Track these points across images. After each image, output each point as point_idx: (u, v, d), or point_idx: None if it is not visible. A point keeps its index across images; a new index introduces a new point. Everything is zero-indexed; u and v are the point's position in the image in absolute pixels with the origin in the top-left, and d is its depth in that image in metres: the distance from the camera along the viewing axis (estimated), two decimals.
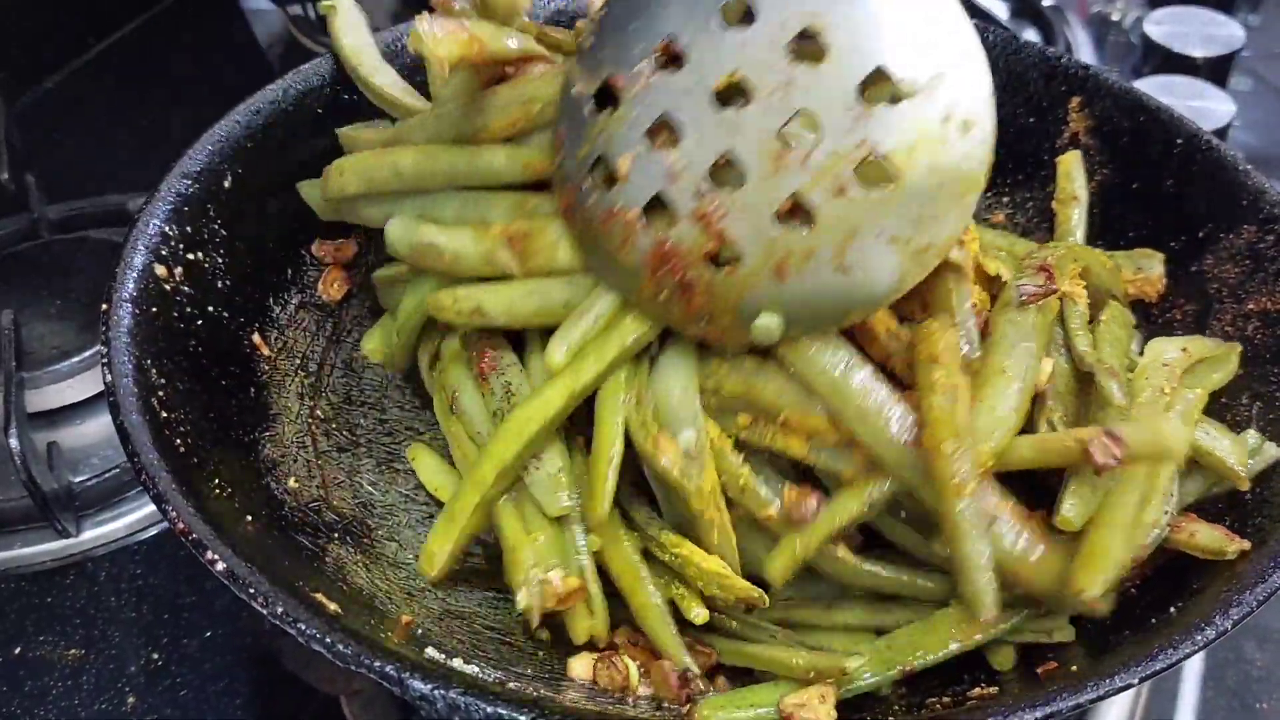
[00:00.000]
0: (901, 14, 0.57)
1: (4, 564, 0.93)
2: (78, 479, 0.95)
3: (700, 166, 0.59)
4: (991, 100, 0.58)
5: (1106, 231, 0.86)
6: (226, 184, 0.76)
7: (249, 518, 0.63)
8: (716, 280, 0.60)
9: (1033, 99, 0.92)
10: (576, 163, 0.63)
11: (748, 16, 0.58)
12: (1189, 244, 0.83)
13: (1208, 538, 0.63)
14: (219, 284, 0.75)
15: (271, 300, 0.80)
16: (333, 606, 0.58)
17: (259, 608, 0.53)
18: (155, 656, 0.87)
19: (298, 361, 0.80)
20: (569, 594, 0.63)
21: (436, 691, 0.51)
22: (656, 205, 0.61)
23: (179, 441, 0.63)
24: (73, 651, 0.88)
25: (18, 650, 0.88)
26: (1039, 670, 0.62)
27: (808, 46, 0.57)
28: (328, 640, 0.52)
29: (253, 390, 0.75)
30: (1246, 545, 0.62)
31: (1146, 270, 0.82)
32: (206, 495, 0.61)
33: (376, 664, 0.52)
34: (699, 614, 0.63)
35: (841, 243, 0.58)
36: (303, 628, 0.53)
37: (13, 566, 0.93)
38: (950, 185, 0.57)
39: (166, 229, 0.71)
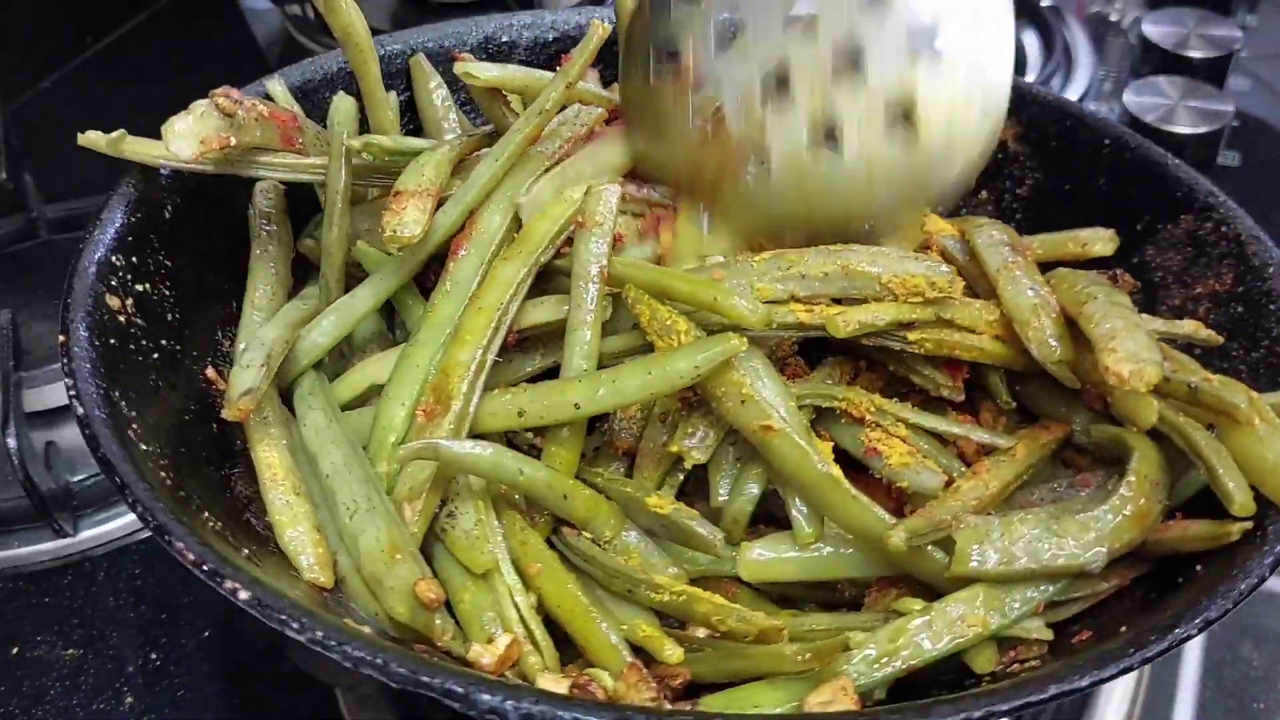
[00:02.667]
0: None
1: (2, 564, 0.93)
2: (75, 479, 0.95)
3: (757, 74, 0.65)
4: (1005, 109, 0.61)
5: (1043, 231, 0.88)
6: (167, 214, 0.75)
7: (244, 551, 0.62)
8: (749, 176, 0.69)
9: None
10: (654, 44, 0.74)
11: None
12: (1128, 237, 0.86)
13: (1203, 529, 0.63)
14: (169, 317, 0.73)
15: (220, 334, 0.78)
16: (366, 630, 0.58)
17: (294, 634, 0.52)
18: (153, 656, 0.87)
19: None
20: (512, 649, 0.61)
21: (509, 704, 0.50)
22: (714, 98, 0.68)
23: (163, 474, 0.62)
24: (71, 651, 0.87)
25: (15, 650, 0.87)
26: (1074, 640, 0.63)
27: None
28: (379, 661, 0.51)
29: (214, 425, 0.73)
30: (1249, 524, 0.62)
31: (1091, 240, 0.85)
32: (200, 526, 0.60)
33: (437, 681, 0.50)
34: (673, 653, 0.62)
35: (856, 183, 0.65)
36: (350, 650, 0.51)
37: (10, 566, 0.93)
38: (957, 156, 0.63)
39: (113, 258, 0.70)
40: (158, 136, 0.72)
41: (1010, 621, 0.62)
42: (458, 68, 0.82)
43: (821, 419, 0.71)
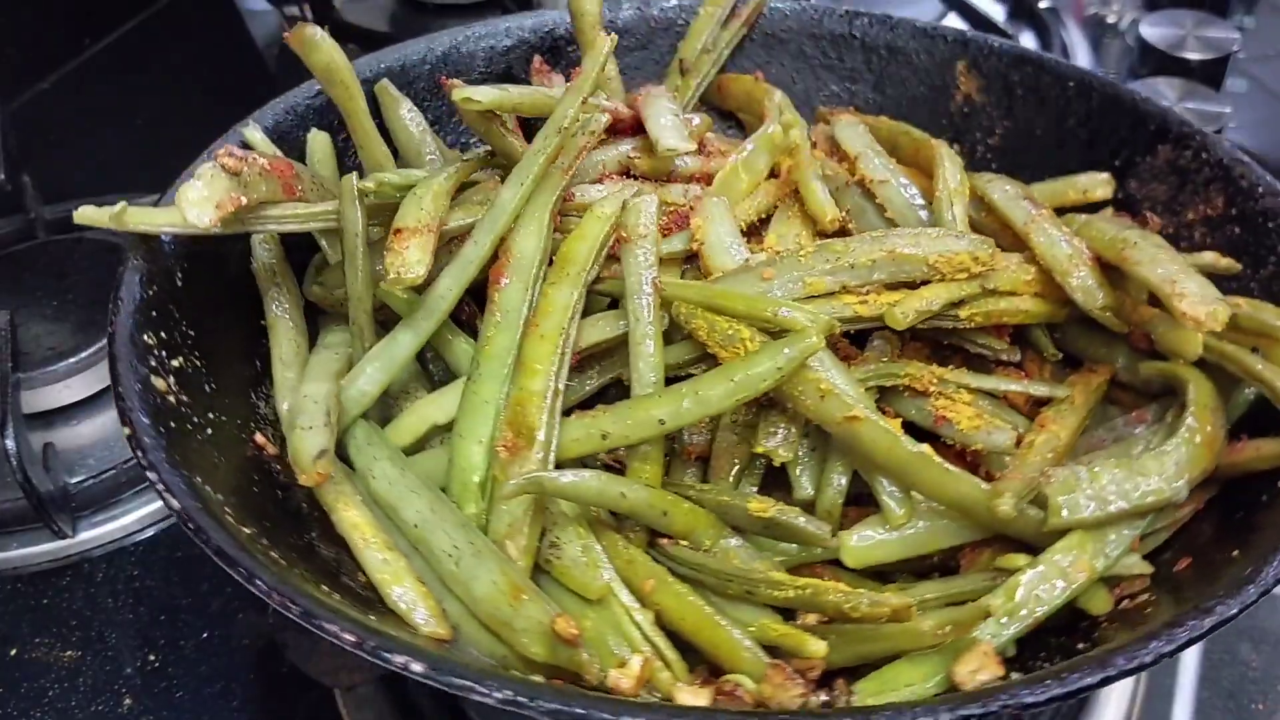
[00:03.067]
0: None
1: (0, 565, 0.93)
2: (74, 480, 0.95)
3: None
4: None
5: (1020, 179, 0.88)
6: (179, 282, 0.73)
7: (371, 618, 0.59)
8: None
9: (919, 70, 0.97)
10: None
11: None
12: (1109, 173, 0.88)
13: (1275, 447, 0.66)
14: (206, 388, 0.71)
15: (253, 396, 0.76)
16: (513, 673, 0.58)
17: (482, 696, 0.51)
18: (152, 658, 0.87)
19: None
20: (646, 668, 0.60)
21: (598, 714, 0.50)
22: None
23: (273, 555, 0.60)
24: (69, 653, 0.87)
25: (14, 652, 0.87)
26: (1175, 570, 0.66)
27: None
28: (451, 678, 0.51)
29: (279, 492, 0.70)
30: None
31: (1091, 185, 0.87)
32: (338, 605, 0.58)
33: (499, 691, 0.50)
34: (818, 648, 0.61)
35: None
36: (419, 668, 0.52)
37: (9, 568, 0.93)
38: None
39: (145, 337, 0.68)
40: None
41: (1113, 561, 0.64)
42: (455, 95, 0.79)
43: (884, 396, 0.72)
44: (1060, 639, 0.63)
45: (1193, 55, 1.42)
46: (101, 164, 1.32)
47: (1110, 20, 1.58)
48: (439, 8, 1.53)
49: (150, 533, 0.96)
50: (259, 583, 0.55)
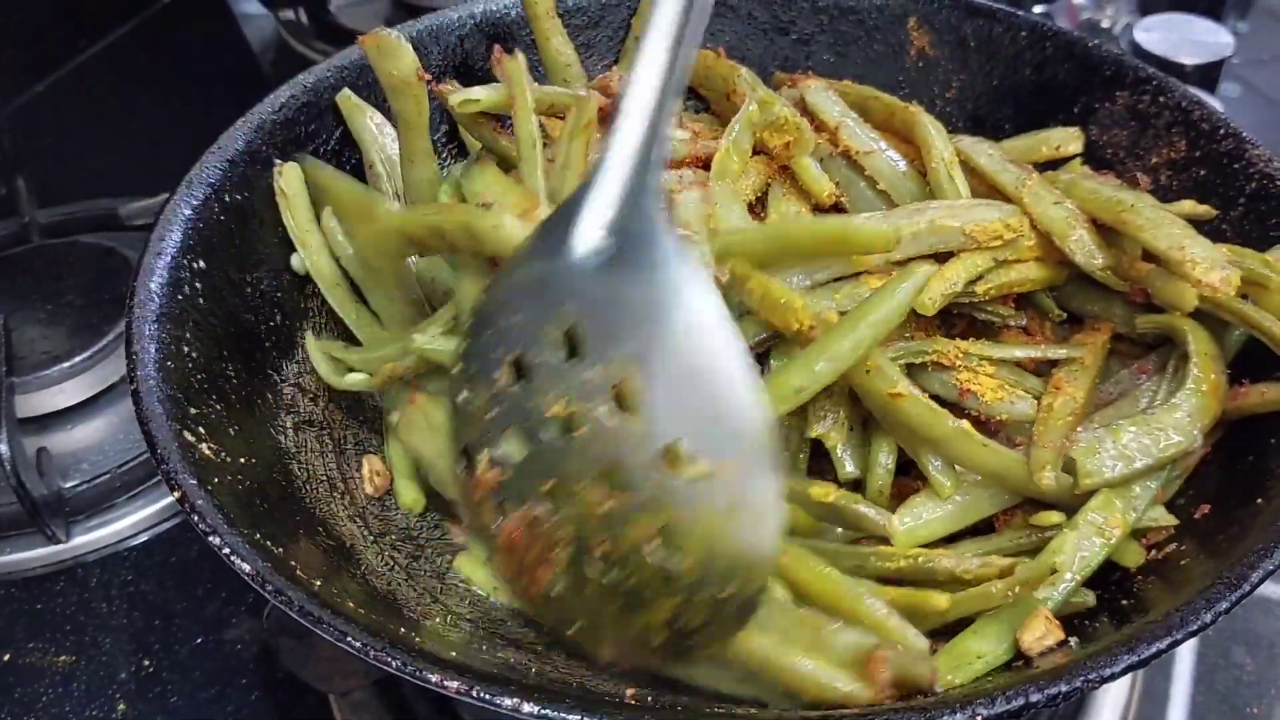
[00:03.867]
0: (707, 391, 0.55)
1: None
2: (68, 484, 0.94)
3: (530, 484, 0.57)
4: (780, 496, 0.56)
5: (980, 130, 0.89)
6: (191, 321, 0.71)
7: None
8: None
9: (870, 28, 0.97)
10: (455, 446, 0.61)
11: (573, 347, 0.57)
12: (1068, 121, 0.89)
13: (1278, 391, 0.69)
14: (230, 430, 0.69)
15: (273, 430, 0.74)
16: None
17: (408, 677, 0.52)
18: (146, 663, 0.87)
19: (325, 484, 0.75)
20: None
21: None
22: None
23: (300, 572, 0.59)
24: (63, 658, 0.87)
25: (7, 657, 0.87)
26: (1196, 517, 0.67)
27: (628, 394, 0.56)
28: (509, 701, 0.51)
29: (321, 529, 0.70)
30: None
31: (1064, 140, 0.88)
32: (349, 611, 0.58)
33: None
34: (941, 600, 0.62)
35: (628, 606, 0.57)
36: (455, 686, 0.52)
37: (2, 572, 0.93)
38: (735, 571, 0.55)
39: (175, 395, 0.65)
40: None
41: (1141, 514, 0.66)
42: (453, 99, 0.78)
43: (910, 371, 0.73)
44: (1100, 594, 0.65)
45: (1187, 60, 1.42)
46: (96, 167, 1.32)
47: (1104, 25, 1.58)
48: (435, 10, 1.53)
49: (144, 537, 0.96)
50: (352, 642, 0.54)
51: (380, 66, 0.78)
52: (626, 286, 0.57)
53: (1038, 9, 1.55)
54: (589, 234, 0.58)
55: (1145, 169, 0.85)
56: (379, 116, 0.86)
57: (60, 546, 0.94)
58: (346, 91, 0.85)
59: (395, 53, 0.77)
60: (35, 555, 0.94)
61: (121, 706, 0.84)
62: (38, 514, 0.91)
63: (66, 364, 0.97)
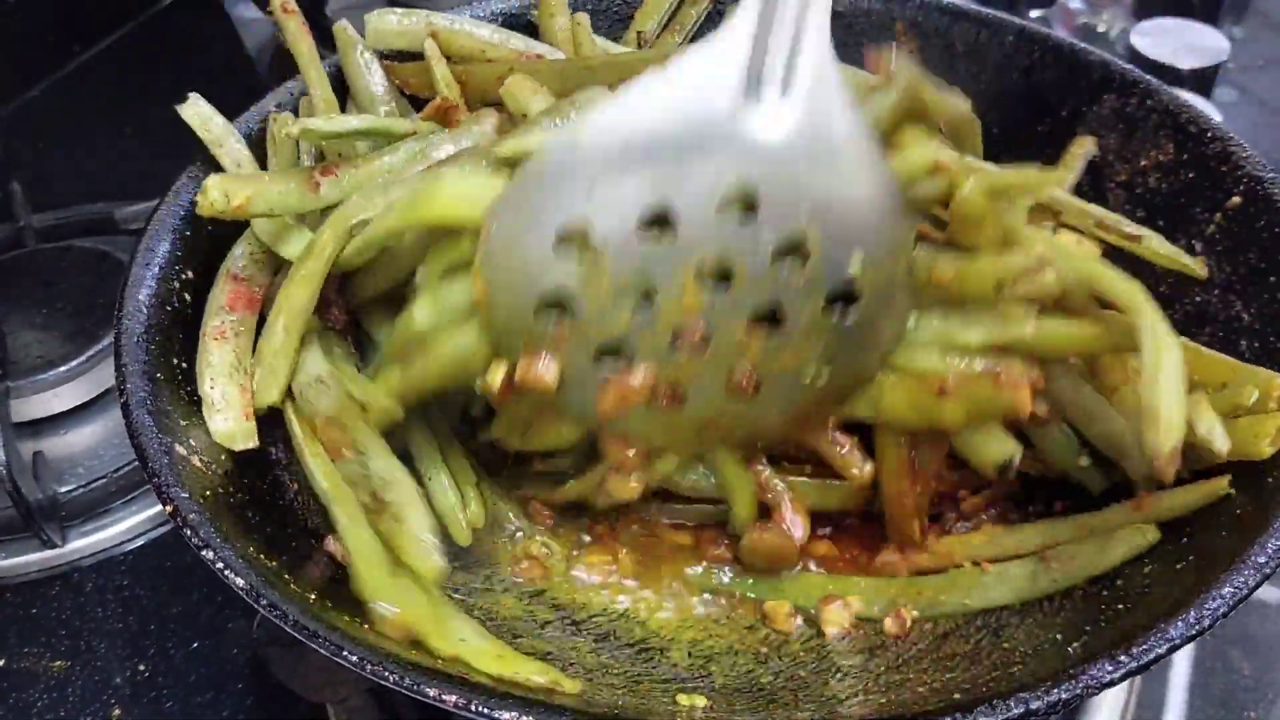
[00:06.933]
0: (870, 236, 0.61)
1: None
2: (63, 489, 0.94)
3: (667, 331, 0.61)
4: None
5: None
6: (178, 332, 0.71)
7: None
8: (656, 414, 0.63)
9: (857, 31, 0.96)
10: (531, 298, 0.62)
11: (748, 206, 0.59)
12: (1056, 125, 0.89)
13: (1163, 248, 0.73)
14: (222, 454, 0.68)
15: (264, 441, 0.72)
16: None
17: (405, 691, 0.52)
18: (141, 668, 0.87)
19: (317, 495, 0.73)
20: None
21: None
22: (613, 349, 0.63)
23: (294, 586, 0.60)
24: (58, 663, 0.87)
25: (2, 662, 0.87)
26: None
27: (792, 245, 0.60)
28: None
29: (314, 541, 0.69)
30: (1203, 273, 0.74)
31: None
32: (344, 625, 0.58)
33: None
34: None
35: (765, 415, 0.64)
36: (453, 699, 0.52)
37: None
38: (885, 336, 0.63)
39: (166, 408, 0.65)
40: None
41: None
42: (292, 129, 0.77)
43: None
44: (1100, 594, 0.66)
45: (1182, 65, 1.42)
46: (91, 172, 1.32)
47: (1100, 30, 1.58)
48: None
49: (140, 542, 0.95)
50: (348, 655, 0.54)
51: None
52: (794, 138, 0.59)
53: (1033, 14, 1.55)
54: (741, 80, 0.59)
55: (1136, 171, 0.85)
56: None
57: (55, 551, 0.93)
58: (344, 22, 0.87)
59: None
60: (30, 560, 0.93)
61: (116, 711, 0.84)
62: (33, 518, 0.91)
63: (62, 368, 0.97)
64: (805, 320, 0.61)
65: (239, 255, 0.76)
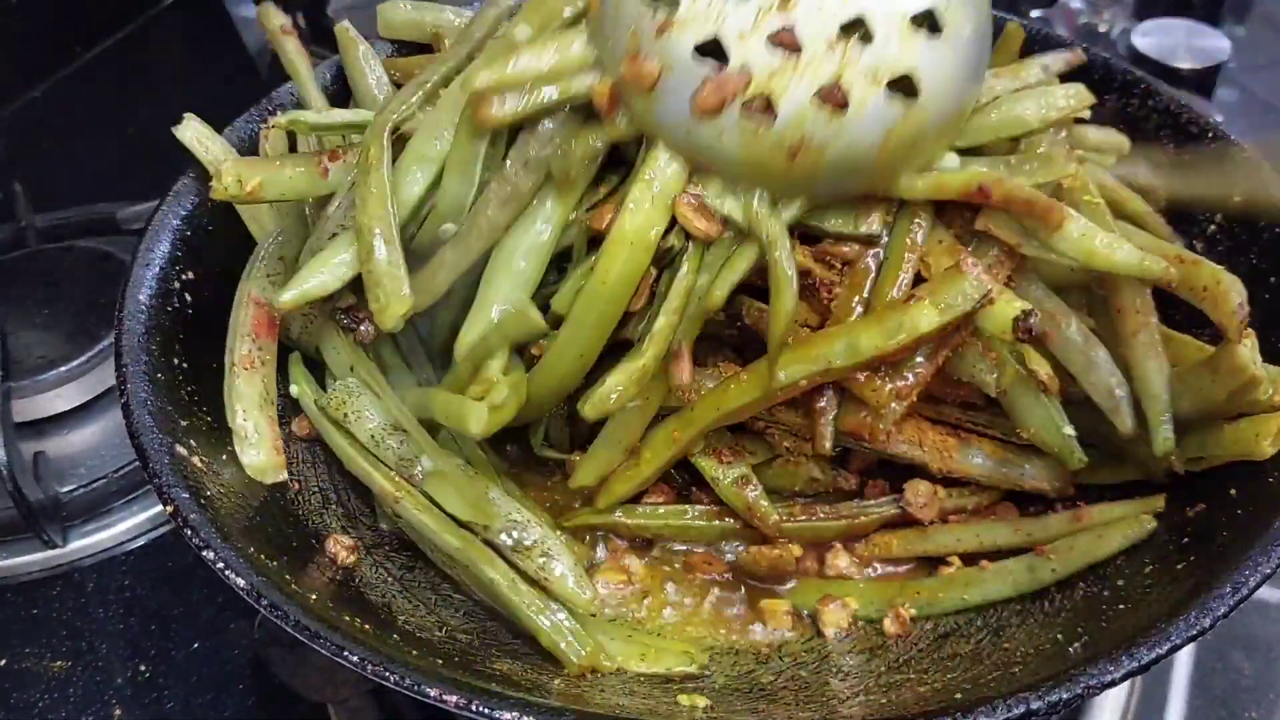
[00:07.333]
0: None
1: None
2: (64, 489, 0.94)
3: (764, 31, 0.63)
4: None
5: None
6: (180, 333, 0.72)
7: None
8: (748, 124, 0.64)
9: None
10: None
11: None
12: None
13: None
14: (222, 443, 0.69)
15: None
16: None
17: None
18: (142, 668, 0.87)
19: (318, 495, 0.75)
20: None
21: None
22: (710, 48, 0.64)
23: (295, 586, 0.60)
24: (59, 663, 0.87)
25: (3, 662, 0.87)
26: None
27: None
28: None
29: (314, 541, 0.70)
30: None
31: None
32: (345, 624, 0.58)
33: None
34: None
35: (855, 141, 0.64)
36: (454, 700, 0.52)
37: None
38: (946, 120, 0.66)
39: (166, 408, 0.66)
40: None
41: None
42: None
43: None
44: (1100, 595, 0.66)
45: (1184, 65, 1.42)
46: (93, 172, 1.32)
47: (1101, 30, 1.58)
48: None
49: (141, 542, 0.95)
50: (350, 656, 0.54)
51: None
52: None
53: (1034, 13, 1.55)
54: None
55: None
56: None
57: (56, 551, 0.93)
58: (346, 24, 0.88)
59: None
60: (31, 560, 0.93)
61: (117, 712, 0.84)
62: (34, 519, 0.91)
63: (63, 368, 0.97)
64: (895, 35, 0.63)
65: (258, 276, 0.76)
